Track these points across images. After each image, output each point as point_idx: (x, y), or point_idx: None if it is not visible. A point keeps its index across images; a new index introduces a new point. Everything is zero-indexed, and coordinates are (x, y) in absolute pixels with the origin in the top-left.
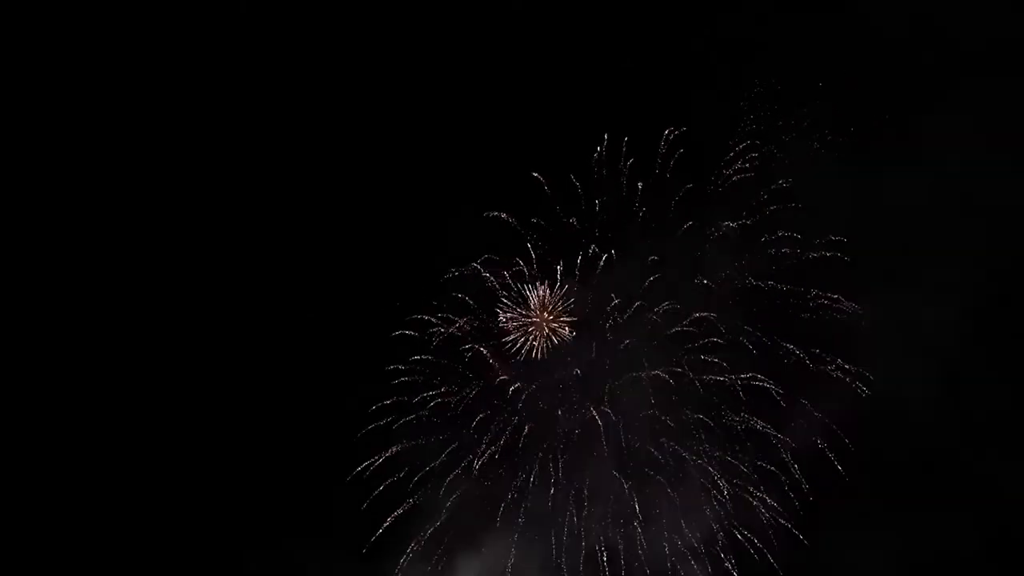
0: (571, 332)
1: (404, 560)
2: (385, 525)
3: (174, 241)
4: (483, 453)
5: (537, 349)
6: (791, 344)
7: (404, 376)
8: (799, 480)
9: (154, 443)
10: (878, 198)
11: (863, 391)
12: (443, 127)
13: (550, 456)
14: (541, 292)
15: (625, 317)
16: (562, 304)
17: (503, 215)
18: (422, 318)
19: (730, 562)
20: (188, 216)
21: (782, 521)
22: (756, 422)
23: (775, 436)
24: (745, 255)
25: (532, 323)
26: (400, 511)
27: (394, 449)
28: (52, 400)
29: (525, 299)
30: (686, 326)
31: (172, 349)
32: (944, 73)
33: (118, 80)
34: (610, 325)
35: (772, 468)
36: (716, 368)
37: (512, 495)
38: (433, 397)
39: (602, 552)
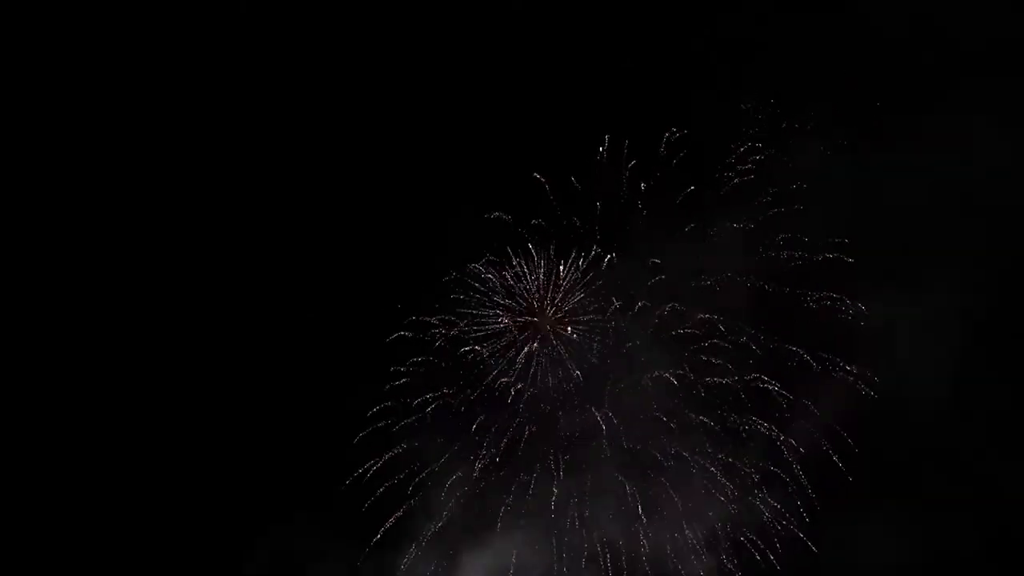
0: (572, 333)
1: (404, 563)
2: (385, 528)
3: (174, 242)
4: (484, 455)
5: (538, 350)
6: (794, 345)
7: (404, 378)
8: (802, 481)
9: (153, 445)
10: (880, 198)
11: (867, 392)
12: (443, 127)
13: (551, 458)
14: (542, 293)
15: (627, 318)
16: (564, 305)
17: (503, 215)
18: (422, 319)
19: (733, 563)
20: (187, 217)
21: (785, 522)
22: (759, 424)
23: (779, 438)
24: (748, 256)
25: (533, 324)
26: (400, 513)
27: (395, 451)
28: (51, 404)
29: (526, 300)
30: (689, 328)
31: (172, 351)
32: (944, 73)
33: (114, 80)
34: (612, 326)
35: (776, 470)
36: (719, 370)
37: (513, 497)
38: (434, 399)
39: (604, 554)
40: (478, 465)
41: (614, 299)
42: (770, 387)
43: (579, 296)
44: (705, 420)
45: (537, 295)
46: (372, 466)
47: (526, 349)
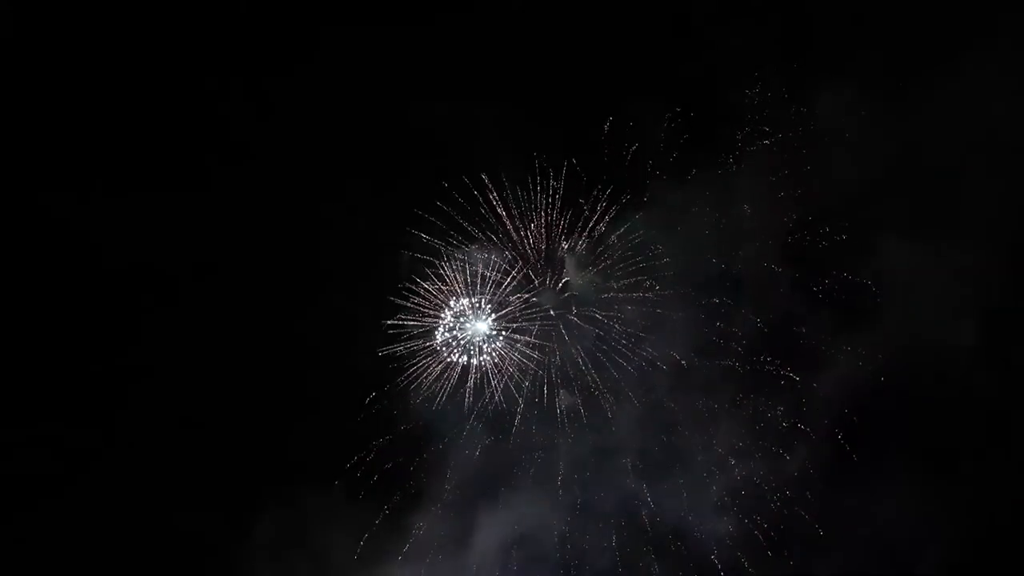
0: (575, 314)
1: (412, 537)
2: (386, 511)
3: (175, 240)
4: (488, 433)
5: (539, 328)
6: (804, 327)
7: (404, 359)
8: (809, 466)
9: (152, 441)
10: (889, 186)
11: (877, 377)
12: (442, 126)
13: (556, 434)
14: (546, 275)
15: (633, 300)
16: (568, 287)
17: (507, 195)
18: (423, 300)
19: (736, 539)
20: (188, 215)
21: (789, 500)
22: (767, 406)
23: (786, 420)
24: (756, 238)
25: (535, 304)
26: (402, 496)
27: (400, 428)
28: (49, 406)
29: (530, 280)
30: (694, 310)
31: (173, 349)
32: (946, 60)
33: (107, 79)
34: (617, 307)
35: (783, 453)
36: (726, 351)
37: (519, 471)
38: (434, 380)
39: (610, 535)
40: (479, 446)
41: (620, 280)
42: (779, 370)
43: (582, 276)
44: (712, 403)
45: (540, 276)
46: (373, 449)
47: (528, 328)
